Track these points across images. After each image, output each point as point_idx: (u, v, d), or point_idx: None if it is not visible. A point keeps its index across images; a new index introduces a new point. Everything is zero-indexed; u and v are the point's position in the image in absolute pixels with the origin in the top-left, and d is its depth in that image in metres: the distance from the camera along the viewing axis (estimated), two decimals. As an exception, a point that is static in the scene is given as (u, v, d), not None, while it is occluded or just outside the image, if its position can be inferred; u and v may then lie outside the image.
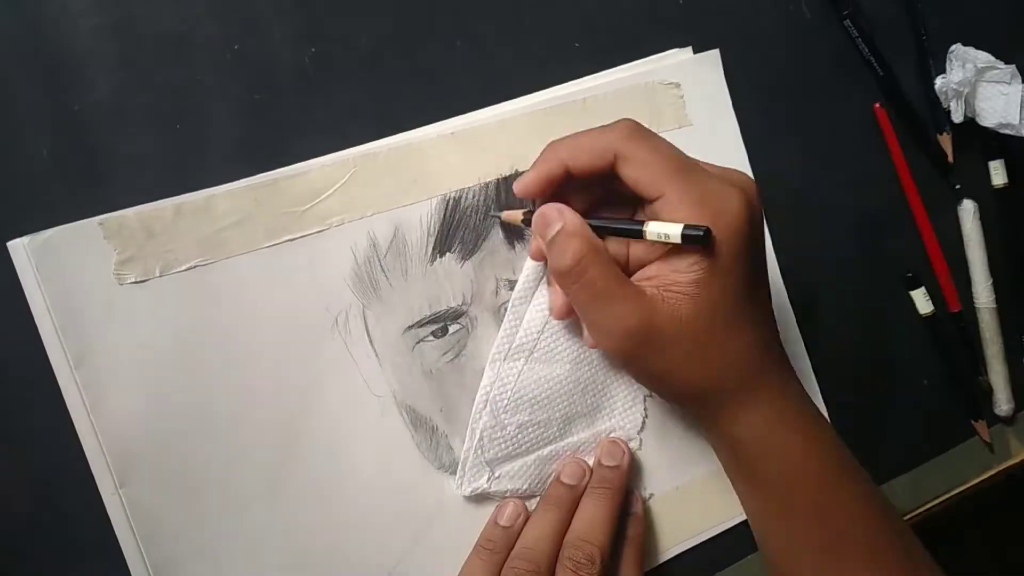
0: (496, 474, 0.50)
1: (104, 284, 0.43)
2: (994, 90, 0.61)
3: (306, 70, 0.49)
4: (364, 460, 0.48)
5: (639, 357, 0.44)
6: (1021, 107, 0.60)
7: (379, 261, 0.49)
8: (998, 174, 0.66)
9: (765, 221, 0.56)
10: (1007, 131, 0.61)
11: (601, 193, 0.47)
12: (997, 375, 0.66)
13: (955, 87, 0.62)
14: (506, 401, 0.50)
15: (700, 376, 0.44)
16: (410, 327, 0.49)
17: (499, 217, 0.51)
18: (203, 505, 0.45)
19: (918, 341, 0.64)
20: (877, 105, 0.62)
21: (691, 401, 0.47)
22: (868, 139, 0.63)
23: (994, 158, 0.66)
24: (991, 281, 0.65)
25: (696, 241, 0.40)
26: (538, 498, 0.51)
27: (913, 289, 0.63)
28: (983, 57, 0.62)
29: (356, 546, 0.48)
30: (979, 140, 0.66)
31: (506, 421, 0.50)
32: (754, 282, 0.45)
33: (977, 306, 0.65)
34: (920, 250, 0.65)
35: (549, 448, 0.51)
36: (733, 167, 0.46)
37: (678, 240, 0.41)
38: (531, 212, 0.47)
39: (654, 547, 0.54)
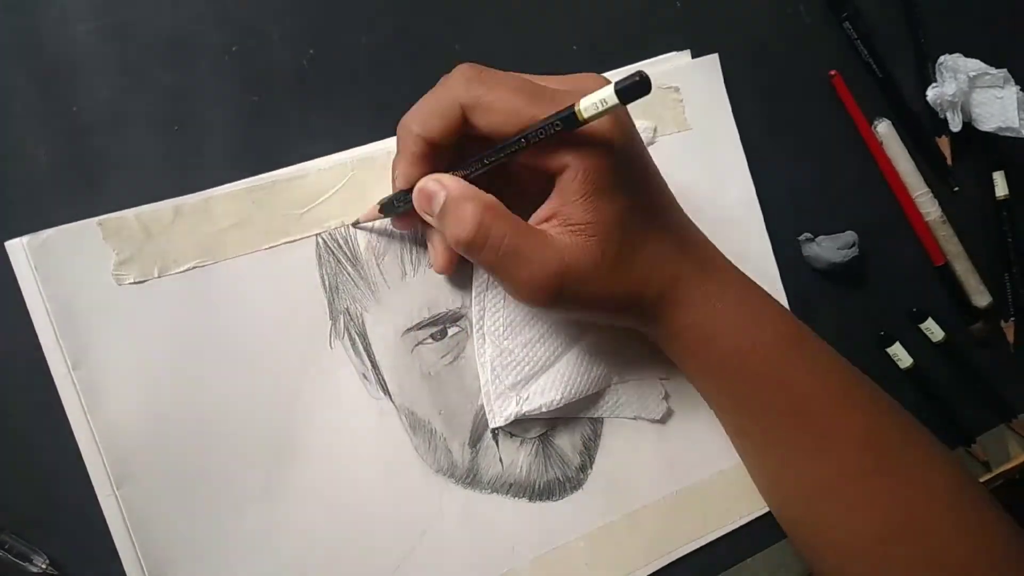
0: (523, 396, 0.50)
1: (103, 285, 0.43)
2: (988, 95, 0.61)
3: (304, 73, 0.49)
4: (362, 463, 0.48)
5: (561, 301, 0.44)
6: (1019, 109, 0.60)
7: (377, 264, 0.49)
8: (1000, 185, 0.66)
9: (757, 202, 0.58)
10: (1008, 134, 0.61)
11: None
12: (968, 273, 0.65)
13: (949, 99, 0.62)
14: (502, 327, 0.49)
15: (623, 293, 0.44)
16: (409, 330, 0.49)
17: (357, 224, 0.49)
18: (200, 507, 0.45)
19: (918, 343, 0.64)
20: (832, 72, 0.62)
21: (624, 317, 0.47)
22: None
23: (995, 170, 0.66)
24: (929, 192, 0.64)
25: (639, 91, 0.36)
26: (576, 413, 0.52)
27: (888, 346, 0.62)
28: (973, 65, 0.62)
29: (354, 549, 0.47)
30: (980, 148, 0.66)
31: (510, 346, 0.49)
32: (647, 186, 0.45)
33: (928, 220, 0.64)
34: (918, 250, 0.65)
35: (567, 356, 0.51)
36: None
37: (616, 101, 0.36)
38: (387, 199, 0.46)
39: (662, 547, 0.54)
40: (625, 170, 0.43)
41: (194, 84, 0.47)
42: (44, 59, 0.45)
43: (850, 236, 0.60)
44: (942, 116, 0.63)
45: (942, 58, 0.63)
